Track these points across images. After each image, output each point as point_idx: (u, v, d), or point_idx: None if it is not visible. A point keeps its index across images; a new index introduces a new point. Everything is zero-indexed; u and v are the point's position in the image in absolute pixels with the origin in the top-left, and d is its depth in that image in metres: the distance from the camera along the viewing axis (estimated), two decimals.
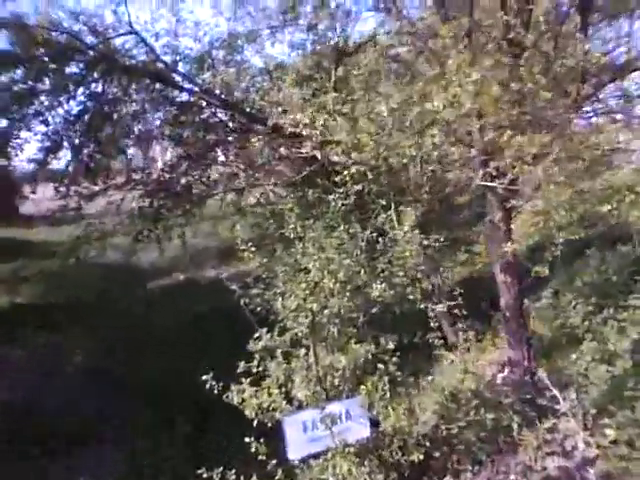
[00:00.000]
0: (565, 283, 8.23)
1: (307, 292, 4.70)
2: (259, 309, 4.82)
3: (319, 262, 4.82)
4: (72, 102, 9.39)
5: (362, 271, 5.09)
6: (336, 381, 4.76)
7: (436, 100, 4.49)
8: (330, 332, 4.82)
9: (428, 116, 4.87)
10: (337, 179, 6.23)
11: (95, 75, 9.27)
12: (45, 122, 9.25)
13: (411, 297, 5.50)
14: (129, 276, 13.43)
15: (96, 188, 9.36)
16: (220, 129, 10.10)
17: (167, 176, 9.47)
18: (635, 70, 6.72)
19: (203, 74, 9.91)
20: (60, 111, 9.45)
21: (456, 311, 5.73)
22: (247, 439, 4.35)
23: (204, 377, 4.47)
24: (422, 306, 5.42)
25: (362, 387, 4.65)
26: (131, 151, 10.13)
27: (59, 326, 10.87)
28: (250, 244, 4.99)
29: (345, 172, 6.05)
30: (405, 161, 5.26)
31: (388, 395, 4.70)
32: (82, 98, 9.41)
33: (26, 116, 9.02)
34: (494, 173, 5.64)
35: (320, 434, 4.46)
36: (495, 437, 5.18)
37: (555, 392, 5.35)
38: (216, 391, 4.45)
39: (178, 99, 9.93)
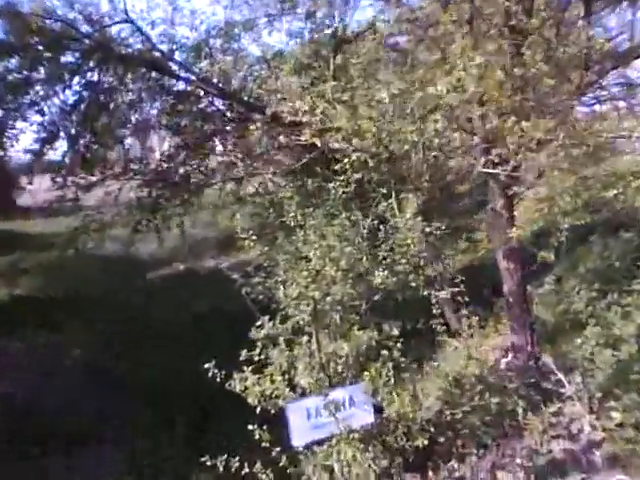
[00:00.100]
0: (568, 269, 8.22)
1: (309, 280, 4.66)
2: (261, 297, 4.79)
3: (320, 250, 4.79)
4: (68, 92, 9.34)
5: (364, 259, 5.06)
6: (339, 368, 4.73)
7: (440, 84, 4.42)
8: (332, 319, 4.79)
9: (430, 101, 4.80)
10: (337, 167, 6.19)
11: (91, 64, 9.18)
12: (41, 112, 9.19)
13: (413, 284, 5.50)
14: (128, 267, 13.38)
15: (93, 178, 9.30)
16: (218, 118, 10.04)
17: (165, 166, 9.42)
18: (638, 57, 6.66)
19: (200, 63, 9.82)
20: (56, 101, 9.42)
21: (458, 298, 5.71)
22: (250, 427, 4.34)
23: (206, 365, 4.45)
24: (425, 293, 5.39)
25: (365, 373, 4.63)
26: (128, 141, 10.04)
27: (59, 319, 10.82)
28: (250, 233, 4.95)
29: (345, 160, 6.00)
30: (407, 147, 5.20)
31: (392, 381, 4.69)
32: (78, 88, 9.36)
33: (21, 106, 8.95)
34: (496, 160, 5.61)
35: (324, 421, 4.43)
36: (500, 421, 5.17)
37: (560, 376, 5.34)
38: (218, 379, 4.43)
39: (175, 88, 9.86)
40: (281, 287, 4.77)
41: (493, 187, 6.29)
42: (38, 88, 9.05)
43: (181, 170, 9.37)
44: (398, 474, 4.73)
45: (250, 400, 4.41)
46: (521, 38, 5.35)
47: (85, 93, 9.38)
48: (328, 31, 9.66)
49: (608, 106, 6.79)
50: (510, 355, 6.59)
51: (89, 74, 9.33)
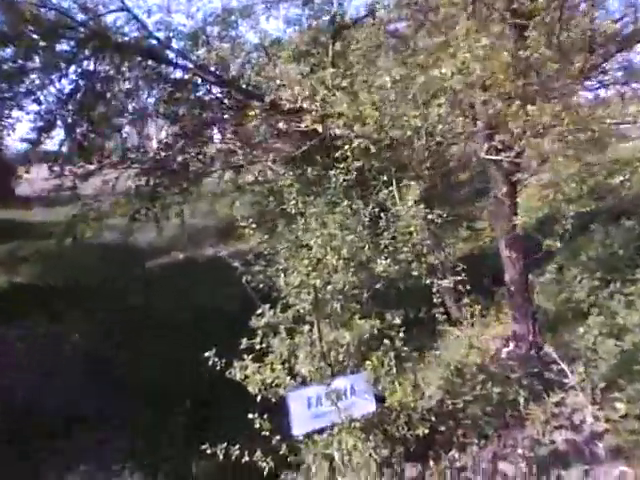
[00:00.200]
0: (569, 258, 8.14)
1: (310, 268, 4.62)
2: (261, 286, 4.75)
3: (321, 238, 4.74)
4: (64, 81, 9.21)
5: (366, 247, 5.00)
6: (340, 357, 4.70)
7: (444, 67, 4.33)
8: (333, 308, 4.75)
9: (434, 85, 4.72)
10: (338, 154, 6.11)
11: (86, 53, 9.06)
12: (37, 101, 9.07)
13: (415, 273, 5.45)
14: (127, 256, 13.33)
15: (91, 167, 9.21)
16: (216, 106, 9.93)
17: (163, 154, 9.32)
18: None
19: (197, 51, 9.71)
20: (52, 90, 9.27)
21: (459, 287, 5.66)
22: (250, 415, 4.31)
23: (207, 354, 4.41)
24: (427, 282, 5.33)
25: (367, 363, 4.60)
26: (126, 129, 9.92)
27: (58, 307, 10.78)
28: (250, 221, 4.90)
29: (346, 147, 5.93)
30: (409, 133, 5.12)
31: (394, 370, 4.65)
32: (74, 77, 9.23)
33: (17, 95, 8.82)
34: (499, 146, 5.54)
35: (324, 410, 4.41)
36: (502, 411, 5.15)
37: (563, 366, 5.30)
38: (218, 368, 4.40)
39: (172, 76, 9.74)
40: (282, 275, 4.74)
41: (496, 174, 6.22)
42: (34, 77, 8.92)
43: (179, 158, 9.28)
44: (399, 463, 4.72)
45: (250, 389, 4.38)
46: (524, 21, 5.26)
47: (81, 82, 9.25)
48: (327, 17, 9.54)
49: (612, 91, 6.69)
50: (511, 344, 6.55)
51: (85, 63, 9.21)
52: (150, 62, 9.33)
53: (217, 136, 10.10)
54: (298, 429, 4.34)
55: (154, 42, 9.27)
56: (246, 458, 4.17)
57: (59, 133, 9.26)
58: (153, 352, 8.85)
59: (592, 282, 7.34)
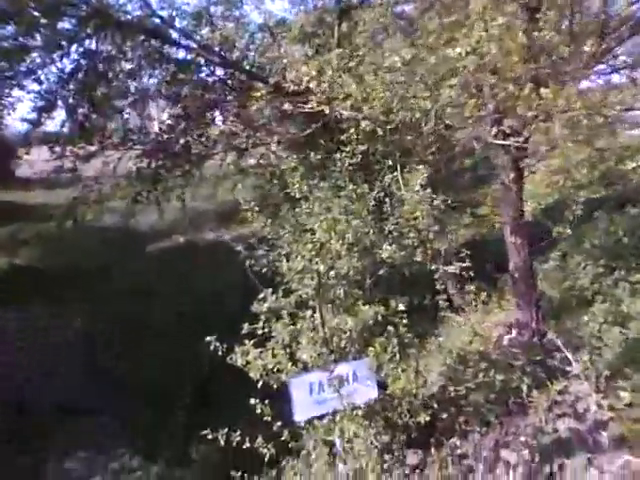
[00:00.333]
0: (573, 245, 8.07)
1: (313, 253, 4.56)
2: (264, 270, 4.69)
3: (326, 223, 4.67)
4: (65, 60, 9.06)
5: (370, 232, 4.93)
6: (343, 343, 4.66)
7: (459, 46, 4.21)
8: (337, 293, 4.70)
9: (444, 66, 4.60)
10: (343, 137, 6.01)
11: (88, 31, 8.90)
12: (38, 80, 8.94)
13: (418, 259, 5.39)
14: (127, 239, 13.27)
15: (92, 148, 9.08)
16: (219, 88, 9.79)
17: (165, 136, 9.21)
18: None
19: (201, 30, 9.55)
20: (53, 69, 9.14)
21: (462, 273, 5.60)
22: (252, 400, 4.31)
23: (208, 339, 4.38)
24: (433, 267, 5.28)
25: (370, 349, 4.56)
26: (127, 111, 9.78)
27: (58, 289, 10.76)
28: (253, 204, 4.83)
29: (352, 130, 5.83)
30: (418, 115, 5.01)
31: (398, 357, 4.61)
32: (75, 56, 9.08)
33: (18, 74, 8.69)
34: (508, 131, 5.43)
35: (326, 396, 4.39)
36: (504, 399, 5.12)
37: (567, 353, 5.25)
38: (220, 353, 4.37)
39: (175, 56, 9.58)
40: (284, 260, 4.68)
41: (503, 159, 6.12)
42: (35, 55, 8.78)
43: (181, 140, 9.17)
44: (400, 450, 4.70)
45: (252, 374, 4.35)
46: (535, 4, 5.13)
47: (83, 61, 9.11)
48: None
49: (624, 77, 6.55)
50: (514, 331, 6.50)
51: (87, 42, 9.06)
52: (153, 41, 9.16)
53: (219, 118, 9.95)
54: (300, 415, 4.32)
55: (157, 21, 9.10)
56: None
57: (60, 114, 9.15)
58: (153, 334, 8.84)
59: (596, 269, 7.29)
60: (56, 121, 9.13)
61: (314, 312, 4.59)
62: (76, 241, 12.51)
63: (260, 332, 4.49)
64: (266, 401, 4.33)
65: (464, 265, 5.43)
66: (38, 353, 8.64)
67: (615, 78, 6.87)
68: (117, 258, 12.64)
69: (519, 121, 5.21)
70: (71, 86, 9.18)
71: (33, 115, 8.86)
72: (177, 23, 9.42)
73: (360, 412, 4.40)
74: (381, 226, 5.26)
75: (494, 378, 5.15)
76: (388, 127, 5.60)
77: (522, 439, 4.70)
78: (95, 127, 9.34)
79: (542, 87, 4.40)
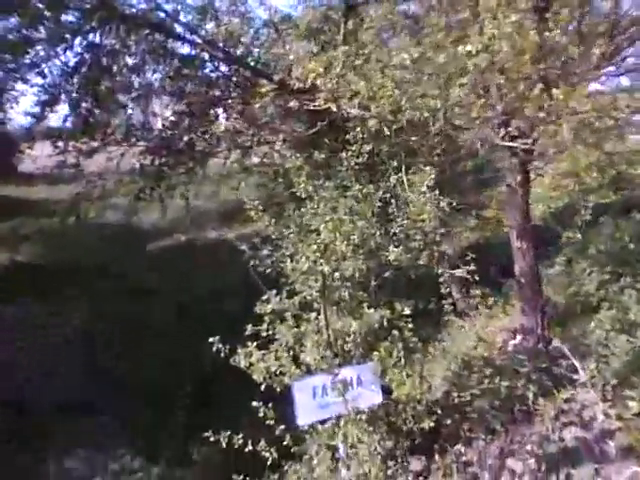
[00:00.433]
0: (579, 250, 7.97)
1: (318, 254, 4.48)
2: (268, 271, 4.62)
3: (331, 223, 4.59)
4: (69, 53, 8.98)
5: (377, 233, 4.85)
6: (347, 346, 4.59)
7: (470, 44, 4.13)
8: (342, 296, 4.62)
9: (454, 65, 4.51)
10: (349, 137, 5.93)
11: (92, 24, 8.82)
12: (41, 74, 8.86)
13: (422, 262, 5.31)
14: (129, 237, 13.21)
15: (95, 144, 9.00)
16: (223, 84, 9.71)
17: (169, 132, 9.12)
18: None
19: (206, 25, 9.47)
20: (57, 62, 9.06)
21: (467, 277, 5.51)
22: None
23: (210, 340, 4.31)
24: (439, 271, 5.19)
25: (375, 353, 4.48)
26: (131, 106, 9.70)
27: (58, 286, 10.69)
28: (257, 203, 4.76)
29: (358, 129, 5.74)
30: (426, 115, 4.92)
31: (403, 362, 4.54)
32: (79, 49, 9.01)
33: (21, 67, 8.62)
34: (515, 133, 5.35)
35: (330, 400, 4.32)
36: (509, 406, 5.03)
37: (574, 361, 5.16)
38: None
39: (179, 51, 9.51)
40: (289, 261, 4.60)
41: (510, 162, 6.03)
42: (38, 48, 8.71)
43: (185, 137, 9.09)
44: (404, 456, 4.63)
45: (255, 377, 4.28)
46: (544, 4, 5.04)
47: (87, 55, 9.04)
48: None
49: (634, 80, 6.48)
50: (519, 337, 6.42)
51: (91, 35, 8.98)
52: (157, 35, 9.08)
53: (223, 115, 9.86)
54: (303, 419, 4.26)
55: (162, 15, 9.01)
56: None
57: (63, 108, 9.08)
58: (153, 334, 8.77)
59: (602, 276, 7.17)
60: (59, 115, 9.09)
61: (318, 314, 4.52)
62: (78, 238, 12.45)
63: (264, 334, 4.42)
64: (269, 404, 4.26)
65: (469, 269, 5.34)
66: (38, 352, 8.56)
67: (624, 81, 6.80)
68: (119, 255, 12.57)
69: (527, 123, 5.14)
70: (75, 80, 9.11)
71: (36, 109, 8.81)
72: (182, 17, 9.36)
73: (364, 417, 4.32)
74: (387, 228, 5.18)
75: (499, 385, 5.08)
76: (394, 127, 5.50)
77: (528, 448, 4.61)
78: (98, 122, 9.27)
79: (552, 88, 4.31)
